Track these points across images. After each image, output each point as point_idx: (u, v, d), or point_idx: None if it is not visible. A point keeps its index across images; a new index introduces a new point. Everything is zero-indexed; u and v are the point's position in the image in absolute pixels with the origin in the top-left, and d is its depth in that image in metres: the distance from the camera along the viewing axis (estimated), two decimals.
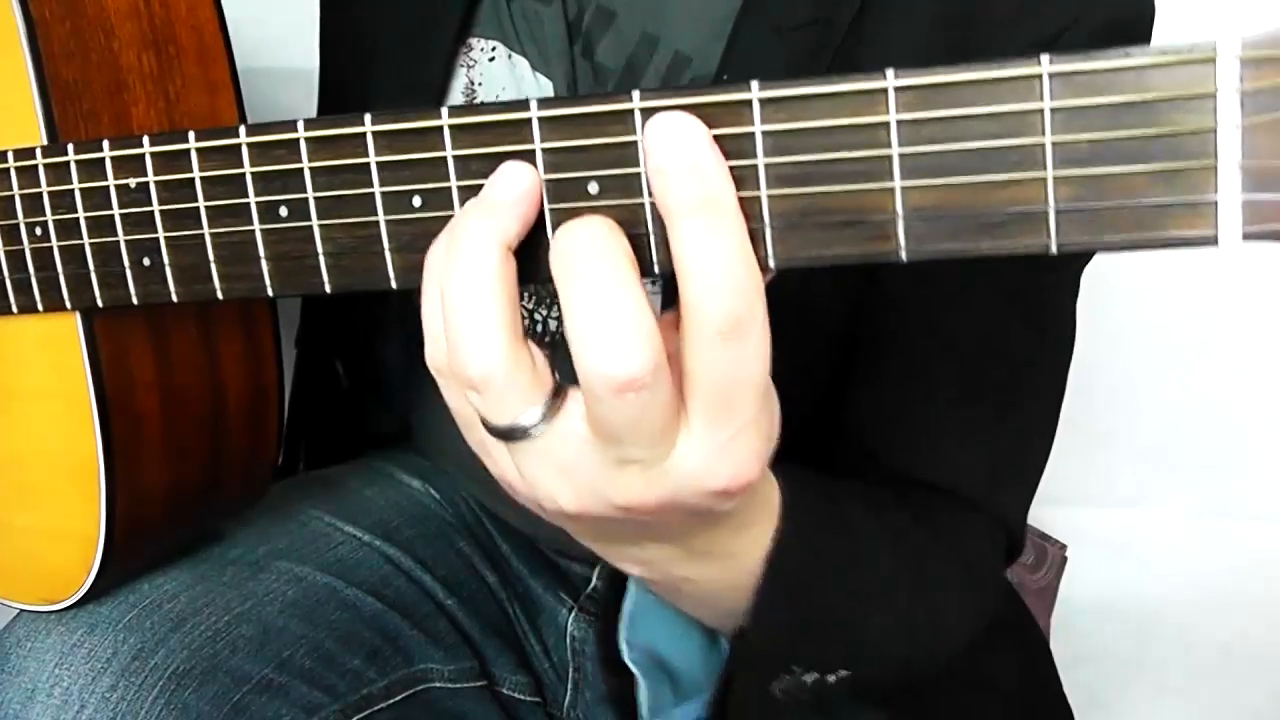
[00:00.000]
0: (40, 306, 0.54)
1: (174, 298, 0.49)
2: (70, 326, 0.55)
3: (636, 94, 0.38)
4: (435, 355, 0.41)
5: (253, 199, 0.45)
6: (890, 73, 0.35)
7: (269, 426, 0.65)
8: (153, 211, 0.48)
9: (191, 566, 0.67)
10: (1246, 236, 0.33)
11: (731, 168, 0.37)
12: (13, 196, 0.52)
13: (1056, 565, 1.02)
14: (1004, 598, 0.79)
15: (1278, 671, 1.19)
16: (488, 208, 0.39)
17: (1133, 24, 0.61)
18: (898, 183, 0.36)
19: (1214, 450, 1.29)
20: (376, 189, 0.42)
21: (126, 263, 0.50)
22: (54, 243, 0.52)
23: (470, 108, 0.40)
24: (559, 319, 0.62)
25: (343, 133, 0.42)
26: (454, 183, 0.41)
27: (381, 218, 0.43)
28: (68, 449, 0.57)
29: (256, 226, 0.45)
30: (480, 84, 0.70)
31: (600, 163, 0.39)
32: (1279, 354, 1.25)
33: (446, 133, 0.41)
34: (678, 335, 0.38)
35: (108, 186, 0.49)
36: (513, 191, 0.39)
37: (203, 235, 0.47)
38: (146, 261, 0.49)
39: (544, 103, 0.39)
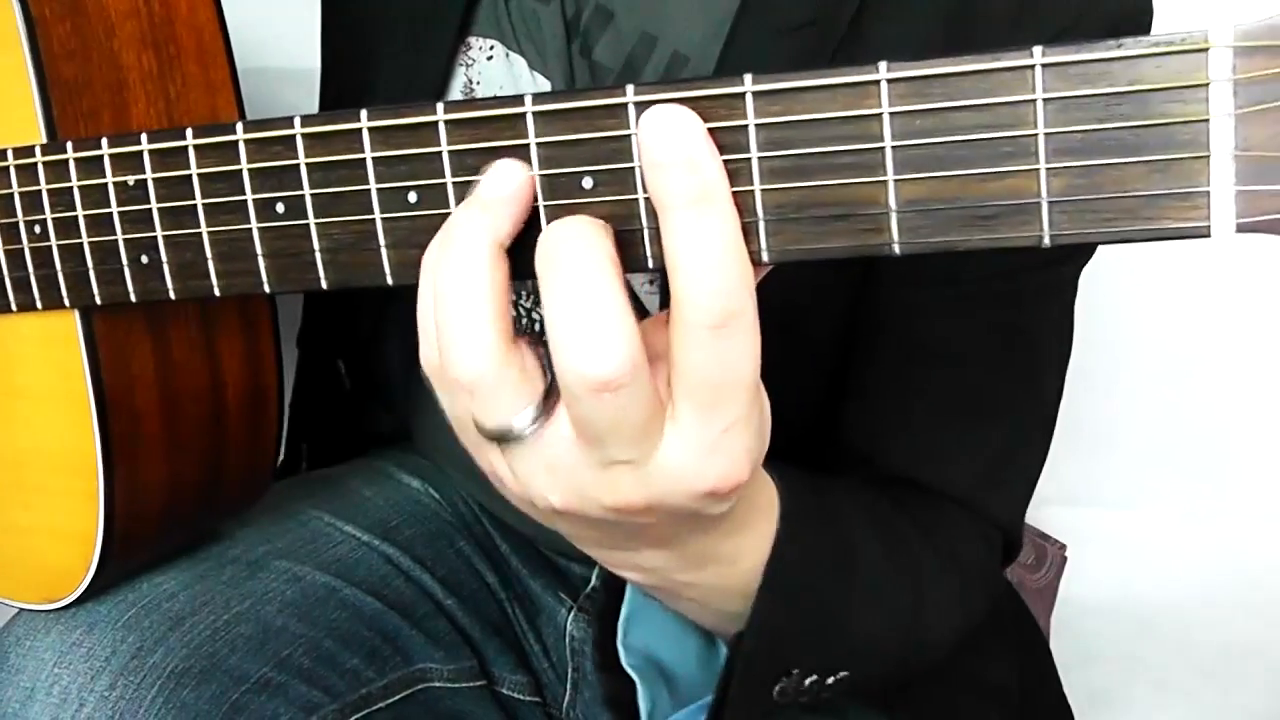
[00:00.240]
0: (39, 305, 0.54)
1: (172, 295, 0.49)
2: (70, 325, 0.55)
3: (630, 88, 0.38)
4: (429, 356, 0.41)
5: (250, 196, 0.45)
6: (883, 65, 0.35)
7: (269, 426, 0.65)
8: (151, 209, 0.48)
9: (191, 565, 0.67)
10: (1240, 227, 0.33)
11: (725, 161, 0.37)
12: (12, 195, 0.52)
13: (1056, 565, 1.02)
14: (1004, 598, 0.79)
15: (1278, 671, 1.19)
16: (479, 205, 0.39)
17: (1133, 24, 0.61)
18: (890, 175, 0.36)
19: (1213, 450, 1.28)
20: (372, 185, 0.42)
21: (125, 260, 0.50)
22: (53, 241, 0.52)
23: (465, 102, 0.40)
24: None
25: (338, 128, 0.42)
26: (449, 179, 0.41)
27: (377, 214, 0.43)
28: (67, 448, 0.57)
29: (254, 224, 0.45)
30: (478, 83, 0.70)
31: (594, 157, 0.39)
32: (1278, 354, 1.25)
33: (441, 128, 0.41)
34: (668, 333, 0.38)
35: (106, 184, 0.49)
36: (503, 189, 0.39)
37: (200, 232, 0.47)
38: (145, 259, 0.49)
39: (538, 97, 0.39)
